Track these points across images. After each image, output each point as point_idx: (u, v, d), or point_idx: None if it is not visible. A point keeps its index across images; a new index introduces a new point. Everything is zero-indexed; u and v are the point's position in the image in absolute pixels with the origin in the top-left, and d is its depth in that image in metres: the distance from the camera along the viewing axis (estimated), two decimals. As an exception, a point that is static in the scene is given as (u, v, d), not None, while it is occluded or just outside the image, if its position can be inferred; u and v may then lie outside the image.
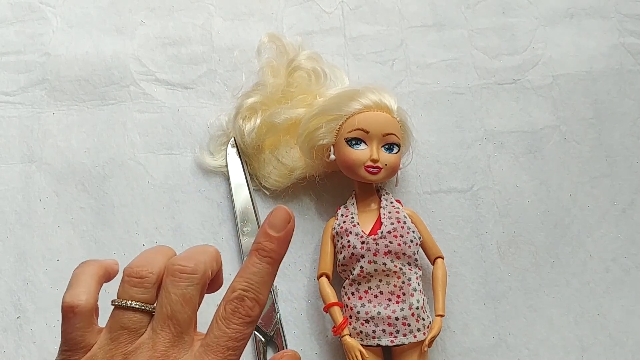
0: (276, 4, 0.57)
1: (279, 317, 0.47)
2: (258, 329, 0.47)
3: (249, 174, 0.51)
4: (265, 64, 0.52)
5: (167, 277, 0.33)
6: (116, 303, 0.34)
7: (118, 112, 0.53)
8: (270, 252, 0.33)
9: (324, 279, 0.46)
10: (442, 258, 0.47)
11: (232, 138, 0.51)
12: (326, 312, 0.46)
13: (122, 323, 0.33)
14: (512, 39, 0.57)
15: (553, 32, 0.57)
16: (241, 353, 0.33)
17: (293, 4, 0.57)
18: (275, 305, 0.47)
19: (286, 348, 0.47)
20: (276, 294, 0.48)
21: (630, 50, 0.57)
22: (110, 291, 0.36)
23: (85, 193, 0.51)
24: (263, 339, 0.47)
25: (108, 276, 0.38)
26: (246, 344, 0.33)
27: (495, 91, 0.55)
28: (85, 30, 0.56)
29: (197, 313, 0.35)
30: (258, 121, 0.50)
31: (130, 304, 0.33)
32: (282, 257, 0.34)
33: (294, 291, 0.49)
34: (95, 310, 0.35)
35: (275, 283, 0.49)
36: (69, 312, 0.34)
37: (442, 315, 0.45)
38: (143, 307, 0.33)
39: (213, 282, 0.39)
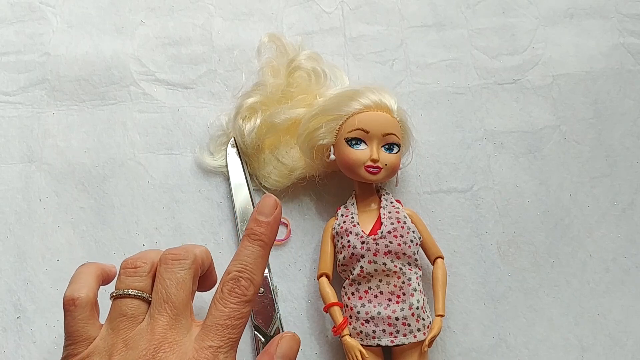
0: (276, 4, 0.57)
1: (279, 317, 0.47)
2: (258, 329, 0.47)
3: (249, 174, 0.51)
4: (265, 64, 0.52)
5: (161, 266, 0.35)
6: (114, 294, 0.35)
7: (118, 112, 0.53)
8: (261, 236, 0.35)
9: (324, 279, 0.46)
10: (442, 258, 0.47)
11: (232, 138, 0.51)
12: (326, 312, 0.46)
13: (121, 311, 0.34)
14: (512, 39, 0.57)
15: (553, 32, 0.57)
16: (240, 334, 0.34)
17: (293, 4, 0.57)
18: (275, 305, 0.47)
19: (286, 348, 0.47)
20: (276, 294, 0.48)
21: (630, 50, 0.57)
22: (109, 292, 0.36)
23: (85, 193, 0.51)
24: (263, 339, 0.47)
25: (107, 277, 0.40)
26: (245, 324, 0.34)
27: (495, 91, 0.55)
28: (85, 30, 0.56)
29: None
30: (258, 121, 0.50)
31: (128, 292, 0.35)
32: (272, 241, 0.36)
33: (294, 291, 0.49)
34: (95, 305, 0.37)
35: (275, 283, 0.49)
36: (70, 305, 0.35)
37: (442, 315, 0.45)
38: (140, 294, 0.35)
39: (206, 280, 0.40)
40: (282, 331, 0.47)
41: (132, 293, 0.35)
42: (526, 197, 0.52)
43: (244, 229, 0.49)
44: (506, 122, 0.54)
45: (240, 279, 0.34)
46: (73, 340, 0.34)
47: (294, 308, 0.49)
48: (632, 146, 0.54)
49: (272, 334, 0.47)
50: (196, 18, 0.57)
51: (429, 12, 0.58)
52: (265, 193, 0.51)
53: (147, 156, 0.52)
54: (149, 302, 0.35)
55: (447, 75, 0.56)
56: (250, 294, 0.34)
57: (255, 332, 0.47)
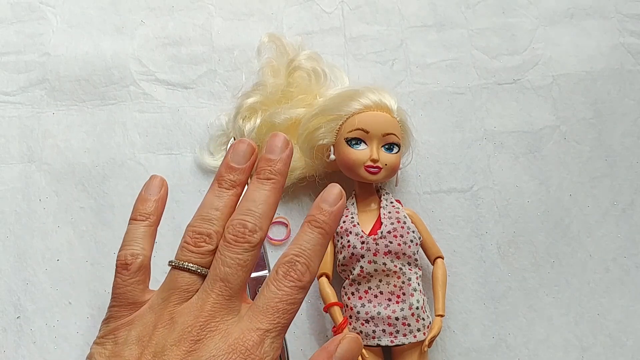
0: (276, 4, 0.57)
1: (279, 317, 0.47)
2: (258, 329, 0.47)
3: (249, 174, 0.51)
4: (265, 64, 0.52)
5: (223, 242, 0.33)
6: (173, 264, 0.34)
7: (118, 112, 0.53)
8: (322, 224, 0.34)
9: (324, 279, 0.46)
10: (442, 258, 0.47)
11: (232, 138, 0.51)
12: (326, 312, 0.46)
13: (176, 283, 0.33)
14: (512, 39, 0.57)
15: (553, 32, 0.57)
16: (290, 320, 0.32)
17: (293, 4, 0.57)
18: (276, 305, 0.47)
19: (286, 348, 0.47)
20: (276, 294, 0.48)
21: (630, 50, 0.57)
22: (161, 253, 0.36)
23: (85, 193, 0.51)
24: (263, 339, 0.47)
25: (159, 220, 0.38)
26: (296, 312, 0.33)
27: (495, 91, 0.55)
28: (85, 30, 0.56)
29: None
30: (258, 121, 0.50)
31: (186, 265, 0.33)
32: (333, 231, 0.35)
33: (294, 291, 0.49)
34: (147, 269, 0.35)
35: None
36: (122, 268, 0.34)
37: (442, 315, 0.45)
38: (199, 270, 0.33)
39: None
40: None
41: (192, 268, 0.33)
42: (526, 197, 0.52)
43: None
44: (506, 122, 0.54)
45: (297, 262, 0.33)
46: (118, 303, 0.34)
47: (294, 308, 0.49)
48: (632, 146, 0.54)
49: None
50: (196, 18, 0.57)
51: (429, 12, 0.57)
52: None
53: (147, 156, 0.52)
54: (205, 277, 0.34)
55: (447, 75, 0.56)
56: (306, 280, 0.33)
57: (255, 332, 0.47)
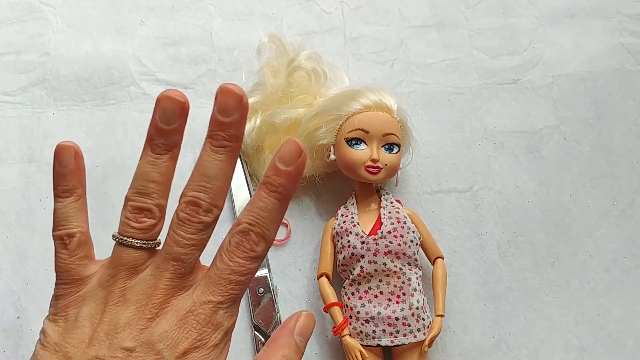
0: (276, 4, 0.57)
1: (279, 317, 0.47)
2: (258, 329, 0.47)
3: (249, 174, 0.51)
4: (265, 64, 0.52)
5: (176, 219, 0.32)
6: (117, 239, 0.33)
7: (118, 112, 0.53)
8: (279, 187, 0.31)
9: (324, 279, 0.46)
10: (442, 258, 0.47)
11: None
12: (326, 312, 0.46)
13: (122, 259, 0.32)
14: (512, 39, 0.57)
15: (553, 32, 0.57)
16: (244, 290, 0.31)
17: (293, 4, 0.57)
18: (275, 305, 0.47)
19: (286, 348, 0.47)
20: (276, 294, 0.48)
21: (630, 50, 0.57)
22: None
23: (85, 193, 0.51)
24: (263, 339, 0.47)
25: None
26: (250, 280, 0.31)
27: (495, 91, 0.55)
28: (85, 30, 0.56)
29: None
30: (258, 121, 0.50)
31: (131, 242, 0.32)
32: (292, 194, 0.32)
33: (294, 291, 0.49)
34: (88, 244, 0.34)
35: (275, 283, 0.49)
36: (61, 248, 0.33)
37: (442, 316, 0.45)
38: (144, 245, 0.32)
39: None
40: (282, 331, 0.47)
41: (136, 244, 0.32)
42: (526, 197, 0.52)
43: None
44: (506, 122, 0.54)
45: (250, 232, 0.31)
46: (64, 280, 0.32)
47: (294, 308, 0.49)
48: (632, 146, 0.54)
49: (271, 334, 0.47)
50: (196, 18, 0.57)
51: (429, 12, 0.57)
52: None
53: (147, 156, 0.52)
54: (154, 250, 0.32)
55: (447, 75, 0.56)
56: (260, 250, 0.31)
57: (255, 332, 0.47)
